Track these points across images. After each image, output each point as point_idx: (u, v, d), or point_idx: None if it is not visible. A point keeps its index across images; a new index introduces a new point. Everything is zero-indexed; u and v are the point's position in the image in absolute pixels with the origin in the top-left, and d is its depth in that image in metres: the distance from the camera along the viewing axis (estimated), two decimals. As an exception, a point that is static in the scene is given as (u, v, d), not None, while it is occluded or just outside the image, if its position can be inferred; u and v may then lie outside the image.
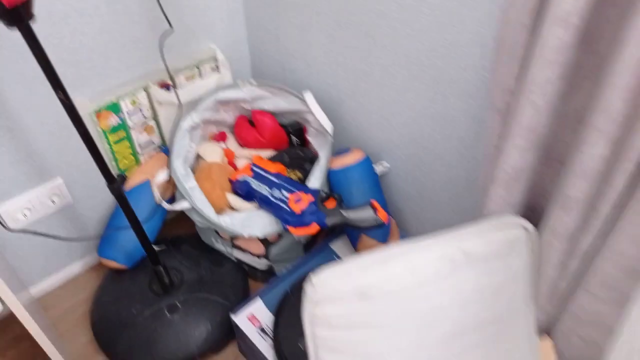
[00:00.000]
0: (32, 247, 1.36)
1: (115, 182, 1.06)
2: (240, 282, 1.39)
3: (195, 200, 1.25)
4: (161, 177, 1.30)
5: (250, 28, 1.49)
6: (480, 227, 0.78)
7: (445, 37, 0.94)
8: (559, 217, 0.74)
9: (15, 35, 1.06)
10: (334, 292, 0.72)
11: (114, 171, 1.39)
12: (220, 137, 1.47)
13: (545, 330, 0.91)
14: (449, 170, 1.12)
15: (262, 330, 1.18)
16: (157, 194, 1.25)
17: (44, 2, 1.07)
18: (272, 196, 1.22)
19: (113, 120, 1.33)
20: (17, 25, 0.76)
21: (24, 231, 1.26)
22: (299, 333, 1.05)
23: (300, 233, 1.15)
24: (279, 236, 1.31)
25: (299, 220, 1.15)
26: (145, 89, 1.35)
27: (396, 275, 0.74)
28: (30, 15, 0.76)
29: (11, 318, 1.39)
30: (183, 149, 1.34)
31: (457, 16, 0.90)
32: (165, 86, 1.37)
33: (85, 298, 1.44)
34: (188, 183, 1.28)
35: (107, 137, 1.34)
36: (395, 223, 1.34)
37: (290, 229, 1.16)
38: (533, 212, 0.83)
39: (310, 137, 1.40)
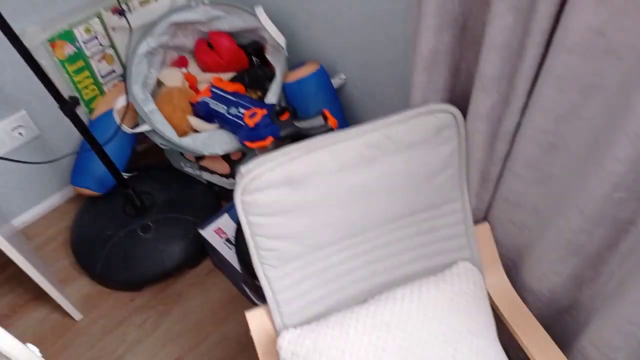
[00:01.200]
0: (8, 181, 1.41)
1: (67, 104, 1.09)
2: (211, 203, 1.45)
3: (156, 122, 1.28)
4: (120, 102, 1.32)
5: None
6: (406, 114, 0.80)
7: None
8: (480, 98, 0.76)
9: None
10: (263, 180, 0.75)
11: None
12: (181, 63, 1.47)
13: (483, 217, 0.94)
14: (400, 73, 1.12)
15: (228, 240, 1.24)
16: (117, 119, 1.27)
17: None
18: (229, 114, 1.24)
19: (69, 49, 1.33)
20: None
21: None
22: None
23: (256, 146, 1.17)
24: (243, 154, 1.34)
25: (254, 134, 1.18)
26: (99, 16, 1.34)
27: (321, 162, 0.77)
28: None
29: (-3, 248, 1.47)
30: (141, 74, 1.35)
31: None
32: (118, 11, 1.36)
33: (65, 227, 1.51)
34: (147, 107, 1.29)
35: (65, 67, 1.35)
36: (356, 136, 1.36)
37: (247, 143, 1.19)
38: (459, 97, 0.84)
39: (269, 55, 1.39)
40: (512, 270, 0.93)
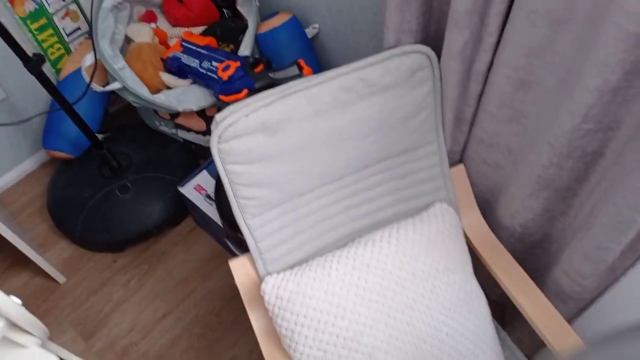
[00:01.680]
0: (-23, 146, 1.37)
1: (31, 61, 1.05)
2: (188, 161, 1.43)
3: (126, 79, 1.24)
4: (88, 60, 1.27)
5: None
6: (380, 56, 0.79)
7: None
8: (453, 36, 0.75)
9: None
10: (239, 127, 0.75)
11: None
12: (149, 18, 1.42)
13: (458, 159, 0.96)
14: (373, 19, 1.11)
15: (208, 196, 1.24)
16: (86, 77, 1.23)
17: None
18: (201, 67, 1.21)
19: (29, 5, 1.27)
20: None
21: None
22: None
23: (231, 99, 1.16)
24: (218, 109, 1.32)
25: (229, 87, 1.16)
26: (58, -31, 1.28)
27: (296, 107, 0.77)
28: None
29: (-28, 215, 1.44)
30: (108, 29, 1.30)
31: None
32: (79, -37, 1.30)
33: (41, 192, 1.49)
34: (117, 64, 1.26)
35: (27, 25, 1.29)
36: (332, 88, 1.35)
37: (221, 97, 1.17)
38: (433, 39, 0.84)
39: (240, 7, 1.35)
40: (487, 209, 0.96)
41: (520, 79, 0.75)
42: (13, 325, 0.75)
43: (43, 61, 1.07)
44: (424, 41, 0.84)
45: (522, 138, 0.81)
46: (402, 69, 0.80)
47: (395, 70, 0.80)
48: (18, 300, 0.70)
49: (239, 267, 0.91)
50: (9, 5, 1.23)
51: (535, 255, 0.92)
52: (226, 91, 1.16)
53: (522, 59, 0.72)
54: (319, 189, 0.86)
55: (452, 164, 0.94)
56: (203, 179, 1.28)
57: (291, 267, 0.89)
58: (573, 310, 0.88)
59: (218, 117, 0.76)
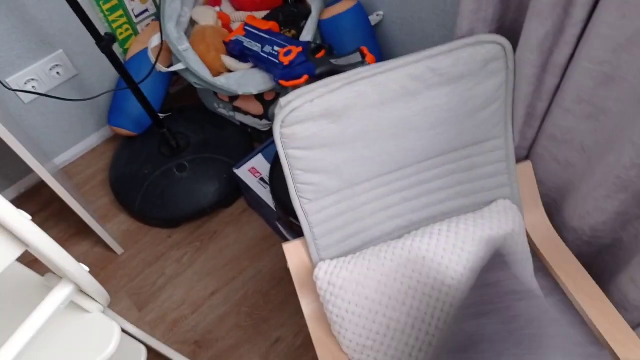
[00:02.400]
0: (50, 121, 1.45)
1: (103, 41, 1.09)
2: (244, 144, 1.46)
3: (190, 61, 1.27)
4: (154, 41, 1.31)
5: None
6: (452, 45, 0.77)
7: None
8: (533, 27, 0.72)
9: None
10: (303, 113, 0.75)
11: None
12: (214, 1, 1.44)
13: (526, 155, 0.92)
14: (442, 7, 1.08)
15: (262, 180, 1.26)
16: (152, 58, 1.27)
17: None
18: (263, 52, 1.22)
19: (103, -14, 1.32)
20: None
21: (34, 94, 1.33)
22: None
23: (291, 84, 1.16)
24: (276, 94, 1.33)
25: (289, 72, 1.16)
26: (131, -50, 1.32)
27: (362, 94, 0.75)
28: None
29: (40, 185, 1.53)
30: (175, 12, 1.33)
31: None
32: (150, -54, 1.33)
33: (104, 166, 1.55)
34: (181, 45, 1.28)
35: (99, 6, 1.34)
36: (392, 77, 1.33)
37: (281, 81, 1.17)
38: (508, 29, 0.80)
39: (303, -8, 1.35)
40: (553, 209, 0.91)
41: (604, 74, 0.70)
42: (80, 291, 0.79)
43: (114, 41, 1.11)
44: (499, 31, 0.80)
45: (600, 136, 0.76)
46: (475, 59, 0.77)
47: (468, 60, 0.77)
48: (86, 268, 0.74)
49: (293, 251, 0.92)
50: (84, -15, 1.27)
51: (601, 260, 0.88)
52: (287, 76, 1.16)
53: (608, 53, 0.68)
54: (379, 178, 0.85)
55: (519, 160, 0.90)
56: (258, 162, 1.30)
57: (345, 254, 0.88)
58: (637, 319, 0.83)
59: (282, 101, 0.76)
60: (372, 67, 0.77)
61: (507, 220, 0.86)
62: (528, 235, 0.89)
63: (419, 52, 0.77)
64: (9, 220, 0.56)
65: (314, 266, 0.89)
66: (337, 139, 0.78)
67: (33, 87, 1.35)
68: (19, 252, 0.60)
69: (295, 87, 1.26)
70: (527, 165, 0.91)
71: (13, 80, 1.29)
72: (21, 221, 0.57)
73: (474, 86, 0.79)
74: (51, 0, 1.25)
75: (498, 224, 0.85)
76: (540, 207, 0.91)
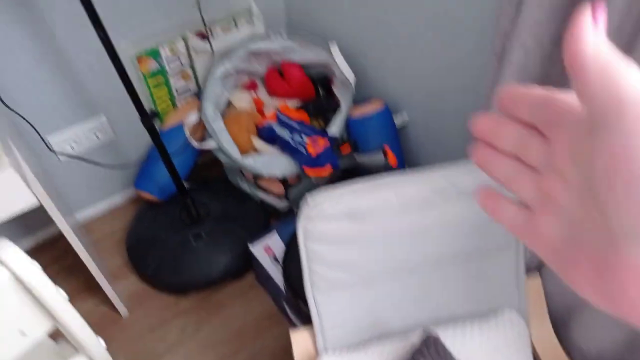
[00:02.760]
0: (79, 177, 1.52)
1: (147, 117, 1.18)
2: (261, 220, 1.51)
3: (222, 140, 1.36)
4: (192, 118, 1.41)
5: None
6: (474, 166, 0.84)
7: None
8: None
9: (68, -22, 1.17)
10: (327, 211, 0.81)
11: (151, 111, 1.52)
12: (251, 86, 1.56)
13: (536, 267, 0.96)
14: (462, 120, 1.17)
15: (275, 259, 1.29)
16: (187, 132, 1.36)
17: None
18: (292, 140, 1.31)
19: (153, 65, 1.44)
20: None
21: (71, 157, 1.41)
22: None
23: (315, 173, 1.23)
24: (298, 179, 1.40)
25: (314, 161, 1.24)
26: (184, 38, 1.46)
27: (385, 200, 0.81)
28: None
29: (57, 237, 1.57)
30: (214, 94, 1.44)
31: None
32: (202, 36, 1.47)
33: (123, 226, 1.60)
34: (216, 124, 1.38)
35: (146, 82, 1.46)
36: (409, 174, 1.40)
37: (306, 169, 1.25)
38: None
39: (335, 89, 1.47)
40: (560, 325, 0.93)
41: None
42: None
43: (155, 117, 1.20)
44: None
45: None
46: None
47: (488, 179, 0.83)
48: (103, 344, 0.76)
49: (299, 339, 0.94)
50: (136, 63, 1.40)
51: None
52: (311, 164, 1.24)
53: None
54: (392, 277, 0.89)
55: (529, 272, 0.94)
56: (273, 240, 1.34)
57: (350, 346, 0.90)
58: None
59: (310, 198, 0.82)
60: (397, 176, 0.83)
61: (513, 331, 0.88)
62: (533, 348, 0.90)
63: (442, 166, 0.84)
64: (47, 298, 0.59)
65: (318, 355, 0.90)
66: (357, 238, 0.83)
67: (71, 146, 1.43)
68: (48, 327, 0.63)
69: (318, 176, 1.33)
70: (536, 279, 0.94)
71: (54, 138, 1.38)
72: (59, 300, 0.61)
73: (489, 202, 0.85)
74: (103, 71, 1.37)
75: (503, 334, 0.87)
76: (547, 322, 0.93)
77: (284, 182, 1.42)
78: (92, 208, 1.63)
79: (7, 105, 1.05)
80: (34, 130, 1.23)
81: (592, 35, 0.19)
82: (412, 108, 1.31)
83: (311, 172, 1.23)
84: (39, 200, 0.80)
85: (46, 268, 1.48)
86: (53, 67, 1.27)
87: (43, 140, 1.26)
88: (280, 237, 1.34)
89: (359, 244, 0.84)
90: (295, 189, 1.42)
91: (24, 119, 1.19)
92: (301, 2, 1.54)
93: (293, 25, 1.64)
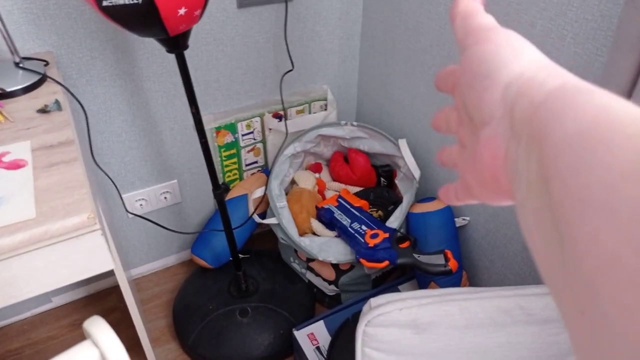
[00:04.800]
0: (140, 234, 1.58)
1: (219, 190, 1.23)
2: (308, 303, 1.48)
3: (283, 218, 1.38)
4: (258, 193, 1.45)
5: (362, 74, 1.64)
6: (546, 289, 0.80)
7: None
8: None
9: (166, 57, 1.29)
10: (389, 318, 0.78)
11: (220, 181, 1.58)
12: (316, 168, 1.61)
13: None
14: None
15: (318, 349, 1.25)
16: (251, 207, 1.40)
17: (192, 29, 1.30)
18: (351, 227, 1.31)
19: (228, 138, 1.52)
20: (175, 52, 0.95)
21: (138, 215, 1.47)
22: (350, 358, 1.10)
23: (371, 266, 1.21)
24: (351, 266, 1.38)
25: (372, 254, 1.22)
26: (260, 116, 1.54)
27: (450, 314, 0.78)
28: (186, 46, 0.96)
29: (109, 291, 1.61)
30: (281, 172, 1.49)
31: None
32: (278, 116, 1.55)
33: (172, 287, 1.62)
34: (279, 202, 1.41)
35: (220, 152, 1.54)
36: (467, 276, 1.35)
37: (362, 260, 1.23)
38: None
39: (398, 181, 1.48)
40: None
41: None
42: None
43: (227, 190, 1.25)
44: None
45: None
46: (564, 307, 0.79)
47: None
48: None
49: None
50: (214, 135, 1.49)
51: None
52: (368, 257, 1.23)
53: None
54: (447, 399, 0.83)
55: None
56: (318, 329, 1.31)
57: None
58: None
59: (373, 301, 0.80)
60: (463, 291, 0.80)
61: None
62: None
63: (511, 287, 0.80)
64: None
65: None
66: (417, 349, 0.79)
67: (141, 205, 1.50)
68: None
69: (373, 269, 1.31)
70: None
71: (127, 197, 1.46)
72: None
73: (561, 332, 0.80)
74: (183, 139, 1.46)
75: None
76: None
77: (335, 267, 1.40)
78: (145, 266, 1.67)
79: (97, 165, 1.12)
80: (113, 187, 1.30)
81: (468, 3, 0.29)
82: (474, 211, 1.29)
83: (368, 264, 1.21)
84: (114, 264, 0.83)
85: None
86: (141, 132, 1.37)
87: (121, 199, 1.33)
88: (326, 327, 1.31)
89: (417, 356, 0.79)
90: (346, 277, 1.40)
91: (110, 178, 1.27)
92: (373, 97, 1.60)
93: (363, 115, 1.70)
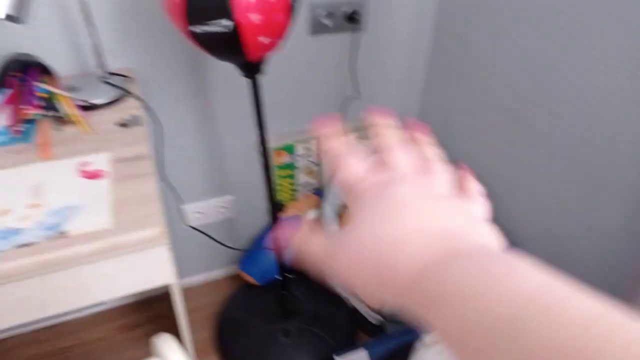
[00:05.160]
0: (193, 245, 1.62)
1: (275, 208, 1.25)
2: (351, 329, 1.47)
3: (334, 244, 1.38)
4: (311, 215, 1.46)
5: (424, 105, 1.63)
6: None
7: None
8: None
9: (237, 80, 1.34)
10: (445, 357, 0.76)
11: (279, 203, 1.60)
12: (369, 195, 1.60)
13: None
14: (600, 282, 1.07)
15: (361, 382, 1.23)
16: (303, 229, 1.41)
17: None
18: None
19: (286, 159, 1.55)
20: (251, 77, 0.99)
21: (195, 228, 1.52)
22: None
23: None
24: (399, 300, 1.36)
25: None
26: (318, 140, 1.56)
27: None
28: (261, 71, 0.99)
29: (156, 299, 1.65)
30: (335, 196, 1.50)
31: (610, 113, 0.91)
32: (335, 140, 1.56)
33: (217, 300, 1.65)
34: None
35: (276, 172, 1.57)
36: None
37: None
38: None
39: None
40: None
41: None
42: None
43: (281, 210, 1.26)
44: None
45: None
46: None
47: None
48: None
49: None
50: (272, 155, 1.52)
51: None
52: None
53: None
54: None
55: None
56: (360, 358, 1.29)
57: None
58: None
59: (428, 338, 0.79)
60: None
61: None
62: None
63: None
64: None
65: None
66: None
67: (197, 217, 1.55)
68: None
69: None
70: None
71: (187, 208, 1.51)
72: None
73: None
74: (244, 157, 1.50)
75: None
76: None
77: (383, 299, 1.38)
78: (194, 277, 1.71)
79: (165, 178, 1.17)
80: (171, 198, 1.35)
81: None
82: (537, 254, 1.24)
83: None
84: (174, 278, 0.86)
85: (139, 327, 1.55)
86: (206, 148, 1.42)
87: (180, 211, 1.38)
88: (369, 356, 1.28)
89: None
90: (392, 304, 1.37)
91: (175, 191, 1.33)
92: (433, 130, 1.59)
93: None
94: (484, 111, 1.33)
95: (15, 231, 0.69)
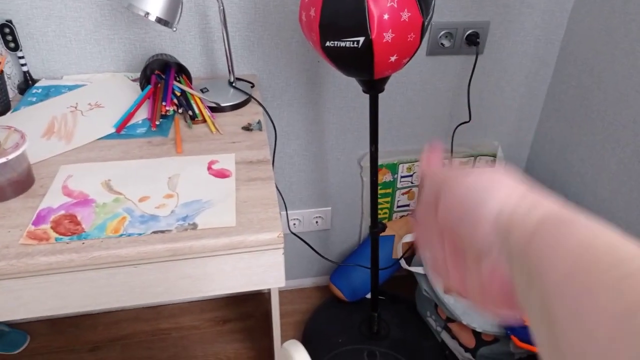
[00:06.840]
0: (287, 251, 1.66)
1: (376, 228, 1.24)
2: (438, 364, 1.40)
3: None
4: (408, 238, 1.43)
5: (539, 136, 1.54)
6: None
7: None
8: None
9: (348, 93, 1.36)
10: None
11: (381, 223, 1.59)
12: (470, 224, 1.54)
13: None
14: None
15: (448, 420, 1.17)
16: (399, 251, 1.38)
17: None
18: (506, 298, 1.21)
19: (387, 177, 1.54)
20: (372, 93, 0.99)
21: (294, 234, 1.55)
22: None
23: (524, 347, 1.11)
24: (495, 339, 1.28)
25: (528, 333, 1.12)
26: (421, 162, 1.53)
27: None
28: (382, 88, 0.99)
29: (249, 297, 1.70)
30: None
31: None
32: (440, 163, 1.53)
33: (303, 309, 1.66)
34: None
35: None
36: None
37: (514, 338, 1.13)
38: None
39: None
40: None
41: None
42: None
43: (383, 230, 1.25)
44: None
45: None
46: None
47: None
48: None
49: None
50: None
51: None
52: (523, 335, 1.12)
53: None
54: None
55: None
56: (448, 395, 1.22)
57: None
58: None
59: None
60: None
61: None
62: None
63: None
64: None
65: None
66: None
67: (294, 224, 1.58)
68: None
69: (522, 349, 1.19)
70: None
71: (287, 214, 1.55)
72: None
73: None
74: (346, 171, 1.51)
75: None
76: None
77: (477, 334, 1.31)
78: (285, 282, 1.74)
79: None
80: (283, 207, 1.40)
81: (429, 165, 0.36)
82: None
83: (520, 345, 1.11)
84: (284, 283, 0.88)
85: (229, 323, 1.60)
86: (310, 157, 1.45)
87: (287, 218, 1.42)
88: (458, 395, 1.22)
89: None
90: (487, 349, 1.29)
91: (282, 197, 1.37)
92: (546, 162, 1.49)
93: (531, 179, 1.59)
94: (611, 149, 1.22)
95: (154, 217, 0.75)
